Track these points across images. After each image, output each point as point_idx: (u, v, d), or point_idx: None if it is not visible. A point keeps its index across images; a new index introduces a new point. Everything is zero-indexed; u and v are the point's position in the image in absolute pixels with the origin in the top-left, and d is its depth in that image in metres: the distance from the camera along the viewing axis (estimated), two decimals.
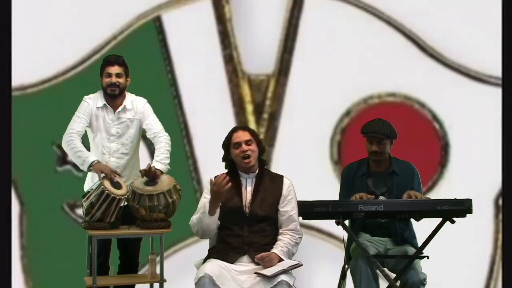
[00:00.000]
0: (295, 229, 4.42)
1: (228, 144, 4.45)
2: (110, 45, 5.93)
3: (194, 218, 4.40)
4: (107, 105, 4.93)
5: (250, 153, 4.40)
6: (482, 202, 5.89)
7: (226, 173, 4.46)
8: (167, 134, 4.96)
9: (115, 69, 4.91)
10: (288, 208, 4.43)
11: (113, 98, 4.92)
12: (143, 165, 5.05)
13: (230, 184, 4.24)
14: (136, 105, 4.98)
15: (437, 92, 6.12)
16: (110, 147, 4.93)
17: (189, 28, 6.03)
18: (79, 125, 4.88)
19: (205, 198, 4.43)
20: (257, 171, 4.48)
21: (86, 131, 4.97)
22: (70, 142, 4.82)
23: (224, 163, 4.51)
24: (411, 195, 4.49)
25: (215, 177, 4.27)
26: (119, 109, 4.94)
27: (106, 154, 4.92)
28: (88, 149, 4.95)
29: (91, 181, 4.92)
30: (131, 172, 4.98)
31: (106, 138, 4.93)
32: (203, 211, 4.31)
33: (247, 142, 4.41)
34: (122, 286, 4.98)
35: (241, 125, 4.60)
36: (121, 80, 4.92)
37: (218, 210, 4.31)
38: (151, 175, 4.75)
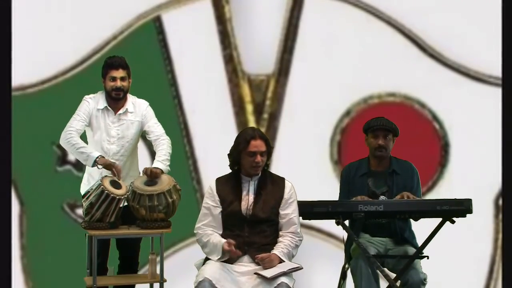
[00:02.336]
0: (295, 232, 4.42)
1: (243, 148, 4.41)
2: (110, 45, 5.93)
3: (201, 234, 4.40)
4: (108, 107, 4.92)
5: (261, 164, 4.41)
6: (482, 202, 5.89)
7: (228, 174, 4.49)
8: (168, 138, 4.95)
9: (119, 73, 4.88)
10: (288, 211, 4.43)
11: (116, 101, 4.92)
12: (142, 166, 5.05)
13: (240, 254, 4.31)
14: (138, 107, 4.97)
15: (437, 92, 6.12)
16: (110, 149, 4.92)
17: (189, 28, 6.03)
18: (78, 123, 4.86)
19: (207, 203, 4.43)
20: (259, 174, 4.48)
21: (85, 130, 4.96)
22: (70, 139, 4.80)
23: (228, 158, 4.49)
24: (404, 196, 4.49)
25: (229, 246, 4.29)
26: (120, 111, 4.93)
27: (105, 156, 4.90)
28: None
29: (87, 183, 4.92)
30: (127, 173, 4.97)
31: (106, 140, 4.92)
32: (213, 249, 4.34)
33: (262, 154, 4.41)
34: (122, 286, 4.98)
35: (260, 132, 4.47)
36: (125, 84, 4.91)
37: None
38: (152, 174, 4.74)
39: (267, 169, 4.53)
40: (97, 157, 4.75)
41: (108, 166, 4.75)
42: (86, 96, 4.96)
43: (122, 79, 4.89)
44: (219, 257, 4.31)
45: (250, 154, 4.39)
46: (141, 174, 4.87)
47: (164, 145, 4.89)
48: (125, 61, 4.93)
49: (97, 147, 4.92)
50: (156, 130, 4.94)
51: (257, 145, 4.40)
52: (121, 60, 4.91)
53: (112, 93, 4.88)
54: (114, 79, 4.88)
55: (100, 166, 4.77)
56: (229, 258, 4.32)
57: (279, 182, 4.49)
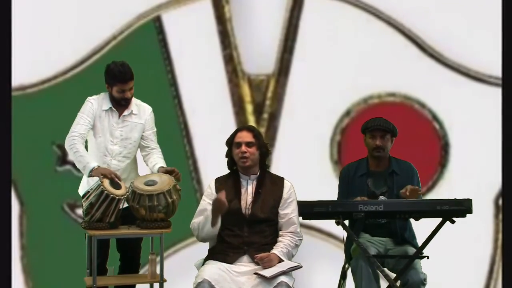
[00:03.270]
0: (295, 232, 4.43)
1: (231, 142, 4.47)
2: (110, 45, 5.93)
3: (195, 222, 4.42)
4: (113, 108, 4.92)
5: (248, 155, 4.42)
6: (482, 202, 5.89)
7: (228, 174, 4.50)
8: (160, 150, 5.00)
9: (128, 85, 4.86)
10: (288, 211, 4.44)
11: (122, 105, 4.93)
12: (140, 168, 5.05)
13: (226, 205, 4.29)
14: (143, 111, 4.97)
15: (437, 92, 6.12)
16: (113, 150, 4.92)
17: (189, 28, 6.03)
18: (82, 127, 4.85)
19: (205, 201, 4.45)
20: (258, 173, 4.49)
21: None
22: (73, 146, 4.80)
23: (226, 159, 4.53)
24: (408, 189, 4.49)
25: (217, 196, 4.30)
26: (125, 113, 4.93)
27: (108, 156, 4.91)
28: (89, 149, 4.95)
29: (86, 184, 4.91)
30: (128, 175, 4.96)
31: (109, 141, 4.92)
32: (205, 221, 4.33)
33: (248, 144, 4.42)
34: (122, 286, 4.98)
35: (248, 125, 4.64)
36: (132, 91, 4.91)
37: (219, 221, 4.33)
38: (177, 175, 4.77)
39: (266, 169, 4.54)
40: (93, 168, 4.75)
41: (105, 174, 4.73)
42: (89, 97, 4.95)
43: (130, 89, 4.89)
44: (210, 220, 4.31)
45: (236, 145, 4.44)
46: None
47: (159, 153, 4.94)
48: (131, 70, 4.89)
49: (100, 147, 4.92)
50: (153, 140, 4.97)
51: (242, 135, 4.45)
52: (129, 72, 4.85)
53: (121, 102, 4.89)
54: (123, 91, 4.87)
55: (85, 179, 4.81)
56: (229, 257, 4.32)
57: (278, 182, 4.49)
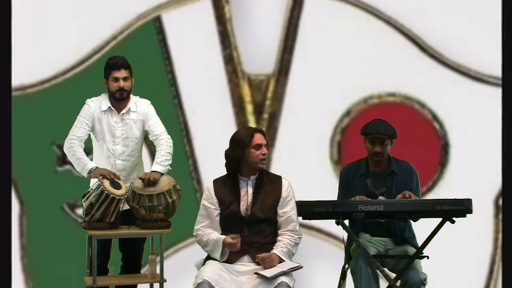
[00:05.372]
0: (294, 230, 4.43)
1: (248, 143, 4.41)
2: (110, 45, 5.93)
3: (201, 235, 4.39)
4: (112, 107, 4.93)
5: (266, 157, 4.43)
6: (482, 202, 5.89)
7: (225, 175, 4.50)
8: (169, 136, 4.95)
9: (121, 73, 4.88)
10: (287, 209, 4.43)
11: (120, 101, 4.92)
12: (146, 167, 5.05)
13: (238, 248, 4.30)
14: (140, 106, 4.97)
15: (437, 92, 6.12)
16: (116, 150, 4.92)
17: (189, 28, 6.03)
18: (79, 130, 4.87)
19: (205, 205, 4.43)
20: (257, 174, 4.48)
21: (90, 135, 4.97)
22: (70, 149, 4.84)
23: (226, 160, 4.47)
24: (405, 195, 4.49)
25: (232, 240, 4.29)
26: (123, 111, 4.93)
27: (111, 156, 4.91)
28: (92, 152, 4.95)
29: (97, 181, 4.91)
30: (137, 175, 4.95)
31: (111, 141, 4.92)
32: (213, 248, 4.33)
33: (266, 146, 4.43)
34: (122, 286, 4.98)
35: (260, 128, 4.60)
36: (128, 84, 4.92)
37: (227, 253, 4.35)
38: (150, 183, 4.74)
39: (263, 169, 4.53)
40: (91, 169, 4.76)
41: (104, 174, 4.73)
42: (88, 100, 4.97)
43: (125, 79, 4.89)
44: (219, 253, 4.30)
45: (257, 147, 4.40)
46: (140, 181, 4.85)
47: (163, 145, 4.89)
48: (126, 60, 4.93)
49: (103, 149, 4.92)
50: (156, 129, 4.94)
51: (261, 138, 4.44)
52: (122, 60, 4.91)
53: (116, 94, 4.89)
54: (116, 79, 4.88)
55: (95, 179, 4.80)
56: (229, 257, 4.32)
57: (276, 181, 4.49)
